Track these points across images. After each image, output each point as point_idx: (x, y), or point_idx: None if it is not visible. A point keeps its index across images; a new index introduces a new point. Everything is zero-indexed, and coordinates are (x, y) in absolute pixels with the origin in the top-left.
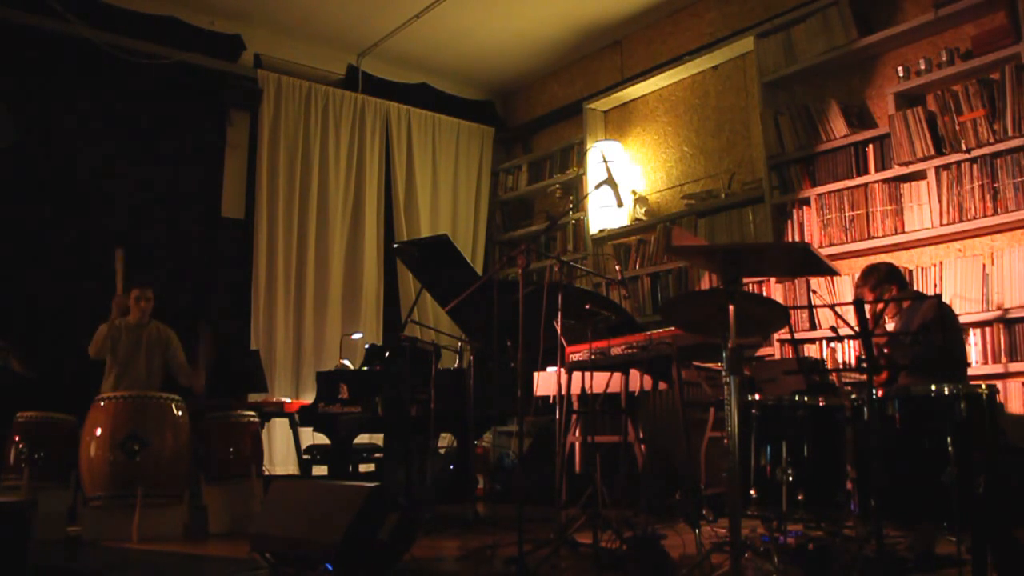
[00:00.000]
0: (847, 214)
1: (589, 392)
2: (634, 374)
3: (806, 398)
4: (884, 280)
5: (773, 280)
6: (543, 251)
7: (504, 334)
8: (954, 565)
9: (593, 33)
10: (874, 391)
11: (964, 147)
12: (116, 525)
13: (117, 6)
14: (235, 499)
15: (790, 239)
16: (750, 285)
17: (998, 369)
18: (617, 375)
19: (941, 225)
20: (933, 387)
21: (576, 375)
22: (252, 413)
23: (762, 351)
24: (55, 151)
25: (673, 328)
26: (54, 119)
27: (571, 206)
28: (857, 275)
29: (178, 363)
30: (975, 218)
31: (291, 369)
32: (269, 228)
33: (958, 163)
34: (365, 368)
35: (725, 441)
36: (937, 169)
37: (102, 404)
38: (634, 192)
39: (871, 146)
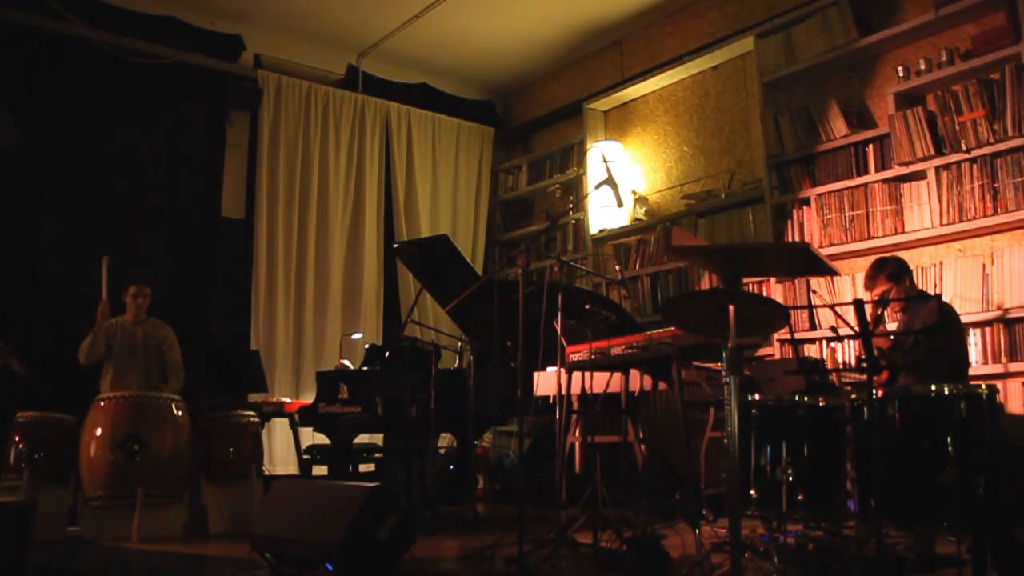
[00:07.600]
0: (847, 214)
1: (589, 392)
2: (634, 374)
3: (806, 398)
4: (894, 275)
5: (773, 280)
6: (543, 251)
7: (504, 334)
8: (954, 565)
9: (593, 33)
10: (874, 391)
11: (964, 147)
12: (116, 525)
13: (117, 6)
14: (235, 499)
15: (790, 239)
16: (750, 285)
17: (998, 369)
18: (617, 375)
19: (941, 225)
20: (933, 387)
21: (576, 375)
22: (252, 413)
23: (762, 351)
24: (55, 151)
25: (673, 328)
26: (54, 119)
27: (571, 206)
28: (867, 270)
29: (172, 362)
30: (975, 218)
31: (291, 369)
32: (269, 228)
33: (958, 163)
34: (365, 368)
35: (725, 441)
36: (937, 169)
37: (102, 404)
38: (634, 192)
39: (871, 146)
